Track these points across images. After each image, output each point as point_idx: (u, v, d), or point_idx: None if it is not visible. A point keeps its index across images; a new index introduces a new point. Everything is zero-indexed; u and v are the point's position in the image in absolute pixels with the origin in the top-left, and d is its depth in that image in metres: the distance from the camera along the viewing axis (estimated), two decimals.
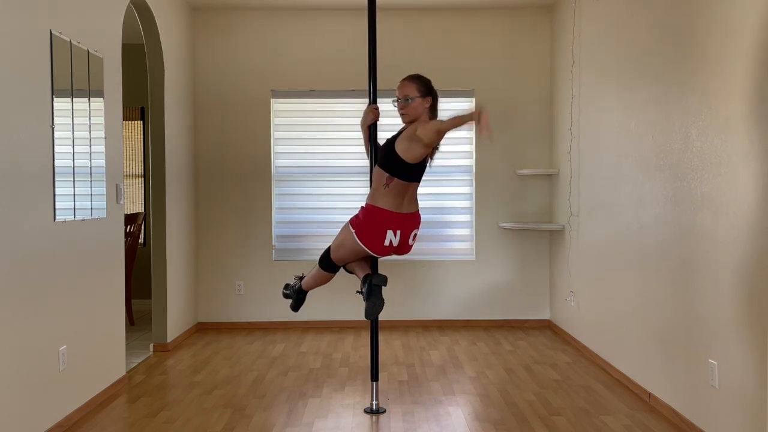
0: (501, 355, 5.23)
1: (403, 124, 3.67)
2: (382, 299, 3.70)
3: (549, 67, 6.28)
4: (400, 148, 3.53)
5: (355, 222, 3.64)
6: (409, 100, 3.56)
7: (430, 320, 6.33)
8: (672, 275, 3.76)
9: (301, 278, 4.01)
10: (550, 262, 6.27)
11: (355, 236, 3.59)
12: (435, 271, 6.32)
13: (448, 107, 6.34)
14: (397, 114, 3.65)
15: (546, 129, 6.29)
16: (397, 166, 3.53)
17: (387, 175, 3.55)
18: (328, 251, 3.77)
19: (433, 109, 3.65)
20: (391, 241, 3.59)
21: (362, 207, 3.68)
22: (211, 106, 6.28)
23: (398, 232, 3.59)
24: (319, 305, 6.24)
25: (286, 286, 4.12)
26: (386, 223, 3.56)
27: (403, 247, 3.69)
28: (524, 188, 6.31)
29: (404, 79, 3.65)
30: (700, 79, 3.45)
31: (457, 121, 3.40)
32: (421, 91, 3.59)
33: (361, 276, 3.77)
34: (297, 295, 4.04)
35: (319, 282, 3.91)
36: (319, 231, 6.33)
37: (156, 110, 5.36)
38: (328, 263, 3.78)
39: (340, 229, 3.73)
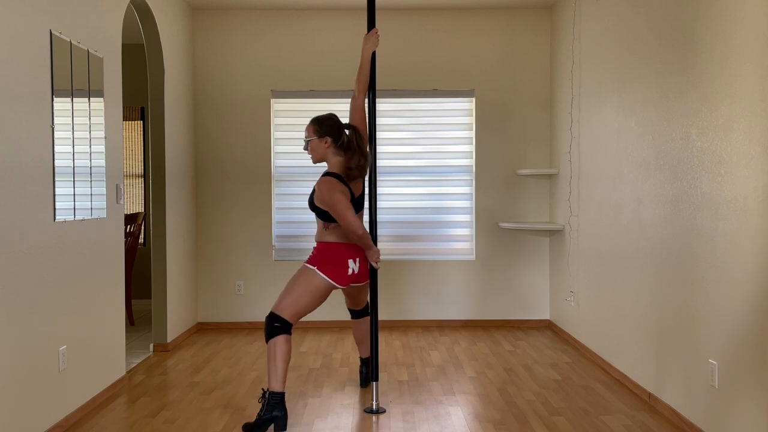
0: (501, 355, 5.23)
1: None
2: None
3: (549, 67, 6.28)
4: (317, 201, 3.76)
5: (313, 262, 3.77)
6: (307, 142, 3.82)
7: (430, 320, 6.33)
8: (672, 275, 3.77)
9: (265, 391, 3.64)
10: (550, 261, 6.27)
11: (319, 273, 3.72)
12: (435, 271, 6.32)
13: (448, 107, 6.37)
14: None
15: (546, 129, 6.29)
16: (323, 214, 3.78)
17: (323, 222, 3.82)
18: (275, 318, 3.62)
19: (341, 144, 3.79)
20: (353, 270, 3.81)
21: (316, 245, 3.87)
22: (211, 106, 6.28)
23: (357, 260, 3.83)
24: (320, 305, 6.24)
25: (259, 419, 3.56)
26: (345, 254, 3.79)
27: (363, 274, 3.92)
28: (524, 188, 6.31)
29: (309, 122, 3.85)
30: (700, 78, 3.45)
31: (354, 232, 3.64)
32: (317, 133, 3.78)
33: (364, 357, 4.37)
34: (274, 409, 3.57)
35: (286, 358, 3.60)
36: None
37: (156, 110, 5.36)
38: (283, 325, 3.63)
39: (289, 286, 3.75)
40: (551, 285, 6.25)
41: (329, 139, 3.77)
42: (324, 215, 3.77)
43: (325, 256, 3.76)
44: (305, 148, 3.83)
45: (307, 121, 6.46)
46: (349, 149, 3.79)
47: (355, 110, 4.00)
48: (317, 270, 3.72)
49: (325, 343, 5.69)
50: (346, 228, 3.64)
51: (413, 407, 4.02)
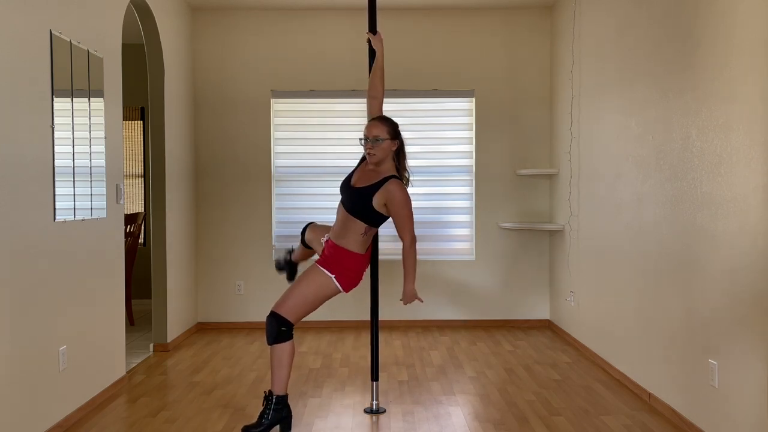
0: (501, 355, 5.23)
1: (355, 164, 3.77)
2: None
3: (549, 67, 6.28)
4: (377, 204, 3.51)
5: (332, 269, 3.54)
6: (379, 141, 3.56)
7: (430, 320, 6.33)
8: (672, 275, 3.77)
9: (269, 394, 3.58)
10: (550, 262, 6.27)
11: (336, 283, 3.53)
12: (435, 271, 6.32)
13: (448, 107, 6.37)
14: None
15: (546, 129, 6.29)
16: (376, 218, 3.57)
17: (366, 226, 3.56)
18: (281, 322, 3.48)
19: (398, 154, 3.65)
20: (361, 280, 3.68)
21: (336, 248, 3.57)
22: (211, 105, 6.28)
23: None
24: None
25: (261, 421, 3.56)
26: (365, 266, 3.66)
27: None
28: (524, 188, 6.31)
29: (374, 120, 3.67)
30: (700, 78, 3.45)
31: (413, 244, 3.58)
32: (390, 134, 3.60)
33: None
34: (282, 411, 3.59)
35: (292, 361, 3.56)
36: None
37: (156, 110, 5.36)
38: (289, 329, 3.52)
39: (299, 289, 3.54)
40: (551, 285, 6.25)
41: (398, 144, 3.62)
42: (374, 219, 3.55)
43: (343, 263, 3.54)
44: (371, 145, 3.56)
45: (310, 120, 6.35)
46: (399, 158, 3.66)
47: (377, 110, 3.87)
48: (335, 279, 3.52)
49: (325, 343, 5.69)
50: (412, 236, 3.53)
51: (413, 407, 4.02)
